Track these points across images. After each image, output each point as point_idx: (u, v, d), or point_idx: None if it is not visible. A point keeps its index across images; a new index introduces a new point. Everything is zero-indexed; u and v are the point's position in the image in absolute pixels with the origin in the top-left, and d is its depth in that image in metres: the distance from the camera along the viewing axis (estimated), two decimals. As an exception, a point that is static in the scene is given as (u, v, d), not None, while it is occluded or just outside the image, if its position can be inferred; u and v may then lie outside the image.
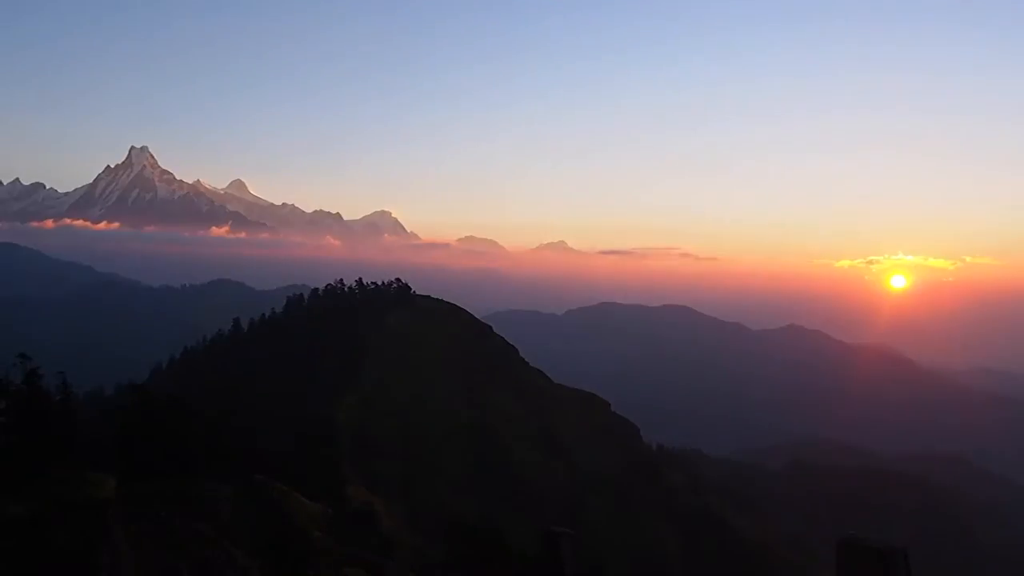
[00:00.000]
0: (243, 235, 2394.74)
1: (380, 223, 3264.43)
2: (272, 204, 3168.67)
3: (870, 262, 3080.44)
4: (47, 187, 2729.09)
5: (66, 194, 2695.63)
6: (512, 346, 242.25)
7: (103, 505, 37.76)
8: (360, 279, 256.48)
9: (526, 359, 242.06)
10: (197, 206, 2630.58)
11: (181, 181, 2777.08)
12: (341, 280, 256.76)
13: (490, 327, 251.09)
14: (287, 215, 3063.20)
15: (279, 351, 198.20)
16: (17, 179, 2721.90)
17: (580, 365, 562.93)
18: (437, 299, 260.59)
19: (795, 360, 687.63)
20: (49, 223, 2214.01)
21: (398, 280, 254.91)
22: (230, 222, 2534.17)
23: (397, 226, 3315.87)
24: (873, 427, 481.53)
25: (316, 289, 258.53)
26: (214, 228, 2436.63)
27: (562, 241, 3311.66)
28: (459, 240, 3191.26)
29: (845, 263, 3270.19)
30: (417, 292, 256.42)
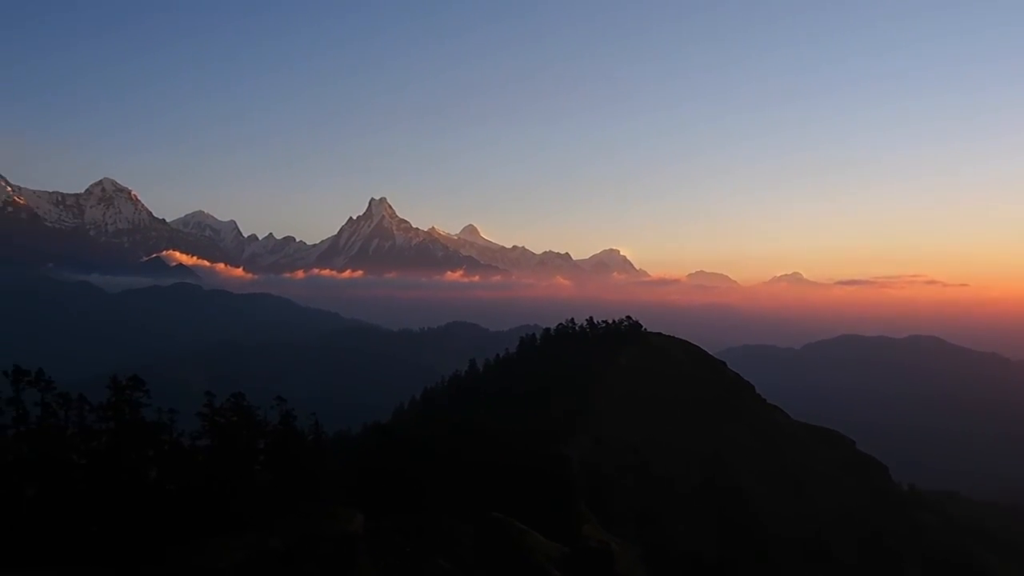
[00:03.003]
0: (476, 278, 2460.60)
1: (609, 261, 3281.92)
2: (503, 247, 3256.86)
3: None
4: (297, 240, 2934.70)
5: (313, 246, 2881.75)
6: (748, 382, 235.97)
7: (352, 539, 39.54)
8: (591, 318, 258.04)
9: (763, 395, 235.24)
10: (432, 252, 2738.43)
11: (417, 229, 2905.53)
12: (572, 319, 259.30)
13: (724, 363, 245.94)
14: (518, 257, 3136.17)
15: (513, 390, 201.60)
16: (271, 234, 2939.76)
17: (821, 401, 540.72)
18: (668, 336, 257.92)
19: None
20: (299, 273, 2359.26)
21: (628, 318, 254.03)
22: (464, 266, 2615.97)
23: (626, 264, 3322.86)
24: None
25: (548, 329, 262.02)
26: (449, 272, 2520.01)
27: (797, 273, 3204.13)
28: (689, 275, 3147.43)
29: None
30: (648, 329, 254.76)
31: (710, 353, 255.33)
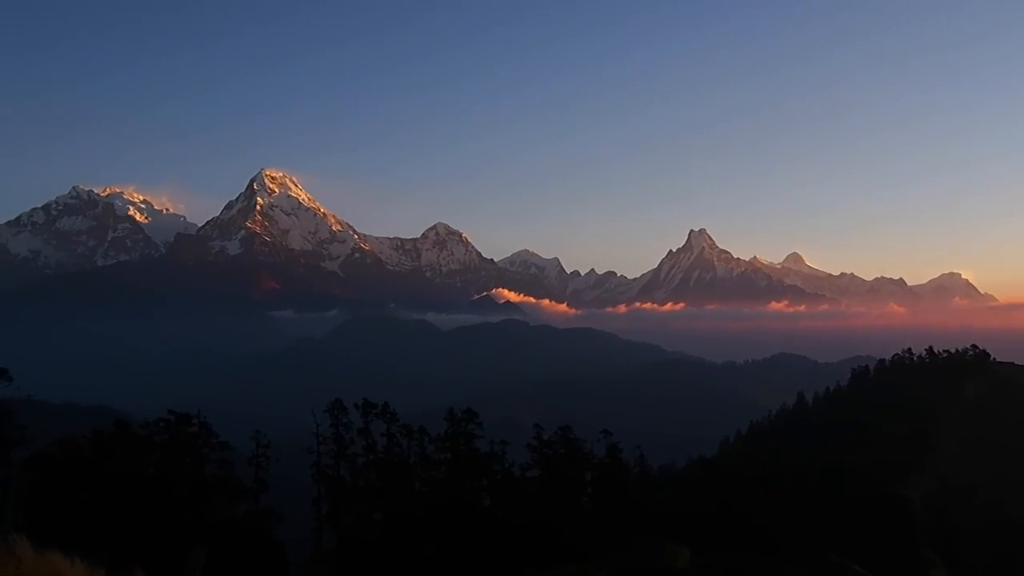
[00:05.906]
0: (802, 308, 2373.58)
1: (949, 286, 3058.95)
2: (830, 275, 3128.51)
3: None
4: (618, 275, 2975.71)
5: (634, 280, 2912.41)
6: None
7: (678, 576, 39.02)
8: (930, 347, 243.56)
9: None
10: (755, 282, 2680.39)
11: (738, 259, 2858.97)
12: (909, 349, 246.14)
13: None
14: (846, 285, 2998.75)
15: (845, 424, 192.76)
16: (592, 269, 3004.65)
17: None
18: (1022, 366, 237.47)
19: None
20: (621, 308, 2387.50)
21: (974, 346, 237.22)
22: (788, 296, 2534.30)
23: (969, 288, 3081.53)
24: None
25: (882, 359, 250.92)
26: (773, 303, 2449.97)
27: None
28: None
29: None
30: (997, 359, 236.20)
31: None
